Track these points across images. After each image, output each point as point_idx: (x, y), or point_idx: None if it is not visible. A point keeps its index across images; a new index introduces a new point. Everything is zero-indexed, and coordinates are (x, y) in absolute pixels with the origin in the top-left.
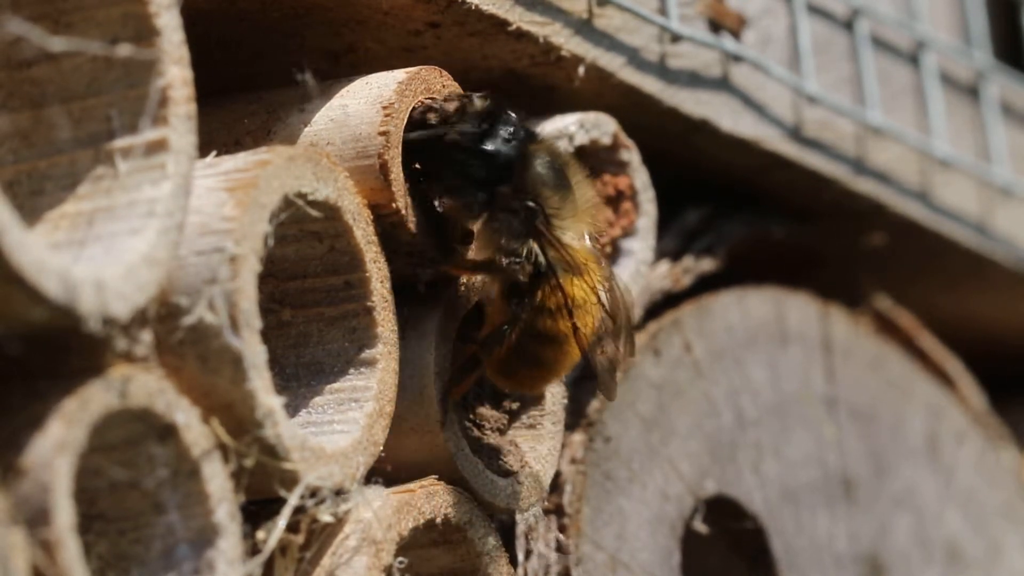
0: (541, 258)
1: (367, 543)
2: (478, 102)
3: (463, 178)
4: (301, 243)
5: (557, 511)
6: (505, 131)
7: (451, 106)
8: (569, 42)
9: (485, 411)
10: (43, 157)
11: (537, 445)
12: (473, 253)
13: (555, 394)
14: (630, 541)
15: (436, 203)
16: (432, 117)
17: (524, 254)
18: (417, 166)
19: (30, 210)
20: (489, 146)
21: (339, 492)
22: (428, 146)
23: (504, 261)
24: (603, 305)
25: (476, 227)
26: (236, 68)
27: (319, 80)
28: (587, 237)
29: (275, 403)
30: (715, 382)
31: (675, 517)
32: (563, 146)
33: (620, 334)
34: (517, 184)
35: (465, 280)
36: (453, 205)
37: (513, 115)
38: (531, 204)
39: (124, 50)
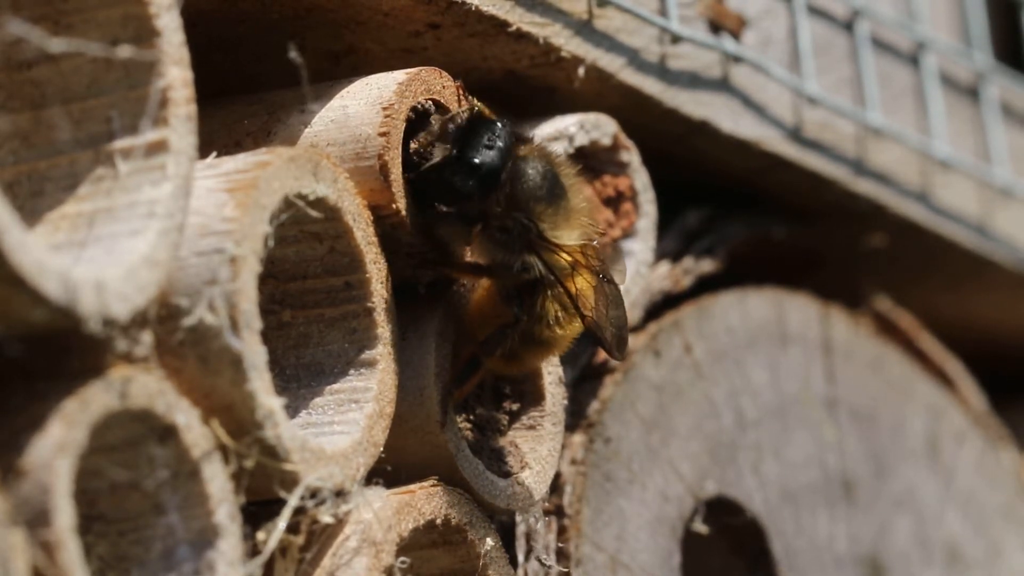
0: (539, 269)
1: (367, 544)
2: (458, 118)
3: (454, 195)
4: (301, 244)
5: (557, 512)
6: (486, 140)
7: (434, 128)
8: (569, 43)
9: (485, 412)
10: (43, 158)
11: (537, 446)
12: (471, 257)
13: (555, 395)
14: (630, 542)
15: (437, 230)
16: (417, 146)
17: (521, 267)
18: (417, 197)
19: (30, 211)
20: (472, 159)
21: (339, 493)
22: (421, 177)
23: (507, 271)
24: (601, 278)
25: (472, 243)
26: (236, 69)
27: (319, 81)
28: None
29: (275, 404)
30: (715, 383)
31: (675, 518)
32: (558, 147)
33: (619, 299)
34: (508, 200)
35: (465, 282)
36: (450, 228)
37: (497, 123)
38: (524, 222)
39: (124, 51)
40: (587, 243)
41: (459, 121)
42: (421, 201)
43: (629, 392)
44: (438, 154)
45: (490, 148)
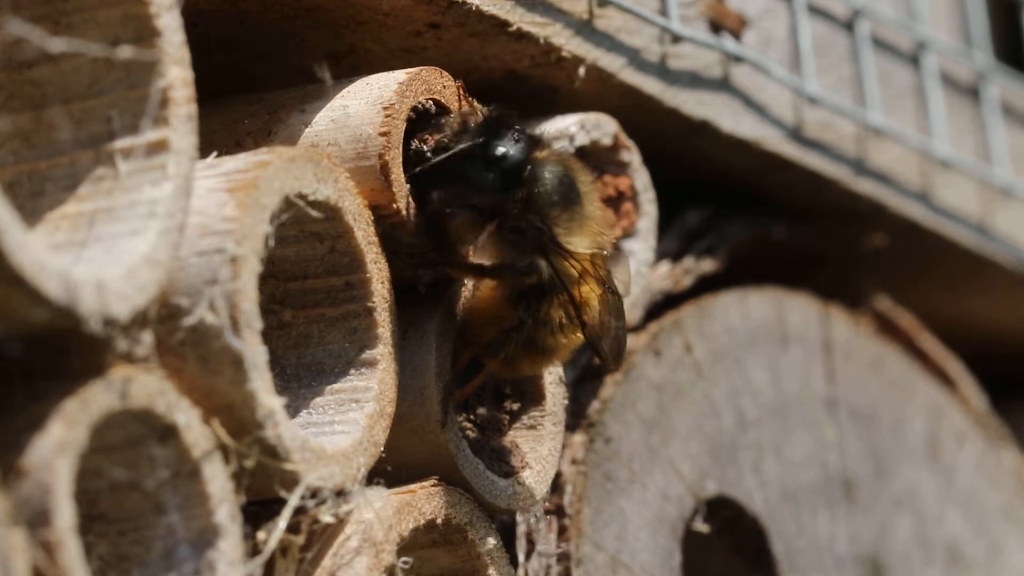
0: (546, 273)
1: (368, 544)
2: (480, 114)
3: (474, 187)
4: (302, 244)
5: (558, 512)
6: (512, 135)
7: (454, 123)
8: (570, 43)
9: (486, 412)
10: (44, 158)
11: (538, 446)
12: (474, 257)
13: (556, 395)
14: (630, 542)
15: (450, 223)
16: (431, 142)
17: (530, 269)
18: (430, 192)
19: (31, 211)
20: (497, 149)
21: (340, 493)
22: (438, 168)
23: (511, 273)
24: (607, 289)
25: (482, 240)
26: (236, 69)
27: (318, 82)
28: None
29: (276, 404)
30: (716, 383)
31: (676, 518)
32: (565, 149)
33: (620, 310)
34: (525, 202)
35: (466, 282)
36: (464, 220)
37: (517, 124)
38: (539, 225)
39: (125, 51)
40: (597, 252)
41: (480, 117)
42: (424, 200)
43: (629, 392)
44: (462, 145)
45: (516, 142)
